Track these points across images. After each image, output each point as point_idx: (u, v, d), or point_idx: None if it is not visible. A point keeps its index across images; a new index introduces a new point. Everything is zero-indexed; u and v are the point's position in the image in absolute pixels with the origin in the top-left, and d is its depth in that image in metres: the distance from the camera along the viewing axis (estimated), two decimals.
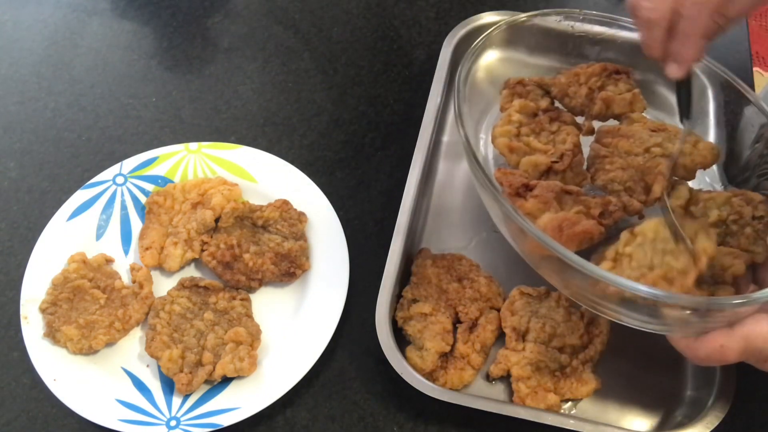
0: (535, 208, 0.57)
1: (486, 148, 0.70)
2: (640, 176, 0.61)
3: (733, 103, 0.69)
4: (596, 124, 0.68)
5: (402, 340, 0.64)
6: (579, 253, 0.51)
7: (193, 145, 0.74)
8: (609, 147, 0.64)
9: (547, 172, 0.62)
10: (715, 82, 0.73)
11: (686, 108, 0.61)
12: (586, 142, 0.66)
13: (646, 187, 0.61)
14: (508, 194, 0.58)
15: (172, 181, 0.73)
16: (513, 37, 0.80)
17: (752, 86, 0.80)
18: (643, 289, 0.47)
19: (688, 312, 0.48)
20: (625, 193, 0.62)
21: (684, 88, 0.60)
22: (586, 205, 0.58)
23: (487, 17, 0.78)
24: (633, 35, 0.76)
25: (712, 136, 0.72)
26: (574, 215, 0.56)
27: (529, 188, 0.58)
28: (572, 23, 0.73)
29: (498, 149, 0.65)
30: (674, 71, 0.58)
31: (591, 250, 0.56)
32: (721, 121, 0.72)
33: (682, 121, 0.61)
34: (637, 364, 0.64)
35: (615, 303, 0.52)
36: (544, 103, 0.68)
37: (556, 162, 0.62)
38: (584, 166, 0.65)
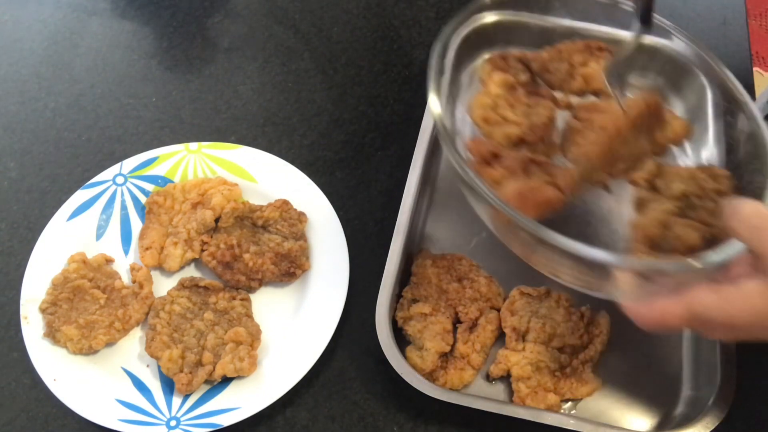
0: (502, 177, 0.56)
1: (463, 124, 0.69)
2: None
3: (730, 105, 0.69)
4: (577, 103, 0.67)
5: (402, 340, 0.64)
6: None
7: (193, 145, 0.74)
8: (584, 121, 0.63)
9: (519, 144, 0.62)
10: (714, 83, 0.73)
11: (644, 16, 0.60)
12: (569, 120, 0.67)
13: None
14: (477, 162, 0.58)
15: (172, 181, 0.73)
16: (511, 37, 0.80)
17: (752, 86, 0.80)
18: (587, 251, 0.47)
19: (634, 276, 0.48)
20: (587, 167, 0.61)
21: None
22: (552, 175, 0.57)
23: (487, 17, 0.78)
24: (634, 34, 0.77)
25: (711, 133, 0.72)
26: (538, 184, 0.56)
27: (497, 157, 0.58)
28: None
29: (473, 120, 0.64)
30: None
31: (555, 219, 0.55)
32: (719, 119, 0.72)
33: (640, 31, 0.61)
34: (637, 364, 0.64)
35: (569, 267, 0.51)
36: (524, 77, 0.67)
37: (528, 134, 0.62)
38: (558, 141, 0.65)
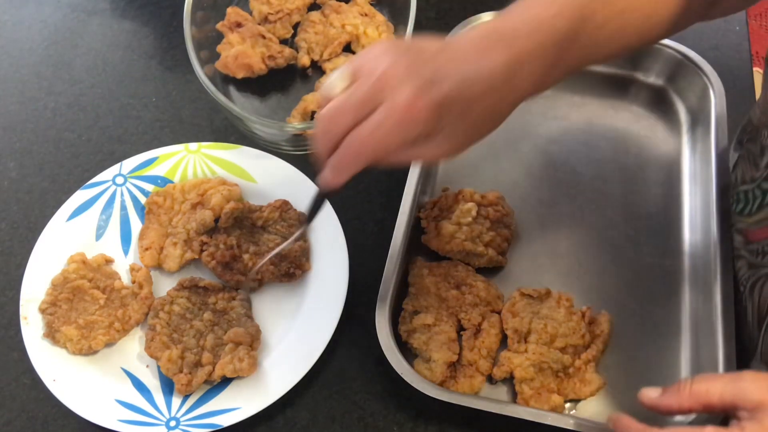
0: (235, 40, 0.77)
1: None
2: (326, 42, 0.78)
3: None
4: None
5: (408, 353, 0.63)
6: None
7: (193, 146, 0.74)
8: (325, 17, 0.80)
9: (265, 21, 0.80)
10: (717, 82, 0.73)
11: (310, 217, 0.58)
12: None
13: (324, 51, 0.78)
14: (226, 26, 0.79)
15: (171, 182, 0.73)
16: None
17: (752, 86, 0.80)
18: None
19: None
20: (305, 49, 0.79)
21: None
22: (269, 48, 0.77)
23: (487, 17, 0.78)
24: None
25: (713, 134, 0.72)
26: (251, 50, 0.76)
27: (240, 25, 0.78)
28: None
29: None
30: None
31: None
32: (722, 121, 0.72)
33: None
34: (638, 363, 0.64)
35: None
36: None
37: (271, 14, 0.80)
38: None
